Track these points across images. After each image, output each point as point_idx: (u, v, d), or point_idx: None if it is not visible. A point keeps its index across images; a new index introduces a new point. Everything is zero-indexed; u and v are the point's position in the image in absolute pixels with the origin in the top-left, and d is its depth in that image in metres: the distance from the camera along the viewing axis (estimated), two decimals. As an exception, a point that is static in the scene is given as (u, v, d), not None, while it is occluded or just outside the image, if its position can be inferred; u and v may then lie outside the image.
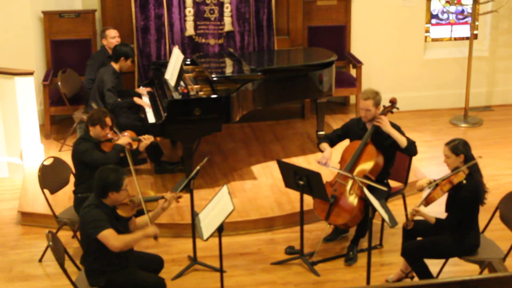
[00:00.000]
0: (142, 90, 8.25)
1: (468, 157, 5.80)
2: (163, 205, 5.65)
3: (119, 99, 7.86)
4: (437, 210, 6.07)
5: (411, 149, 6.49)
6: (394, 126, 6.53)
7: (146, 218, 5.57)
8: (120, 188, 5.35)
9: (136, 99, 7.94)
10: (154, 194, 5.98)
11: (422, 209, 5.82)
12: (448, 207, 5.88)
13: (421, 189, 6.00)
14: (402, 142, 6.43)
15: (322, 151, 6.74)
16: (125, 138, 6.53)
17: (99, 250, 5.34)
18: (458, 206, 5.76)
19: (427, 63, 10.09)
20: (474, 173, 5.79)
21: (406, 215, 6.98)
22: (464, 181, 5.71)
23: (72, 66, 9.02)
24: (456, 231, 5.82)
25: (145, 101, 7.97)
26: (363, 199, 6.32)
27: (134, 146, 6.66)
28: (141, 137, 6.72)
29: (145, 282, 5.45)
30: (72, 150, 6.51)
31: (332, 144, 6.80)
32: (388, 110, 6.67)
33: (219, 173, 8.04)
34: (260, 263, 6.63)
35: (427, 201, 5.79)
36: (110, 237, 5.26)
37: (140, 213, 5.65)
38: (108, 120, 6.43)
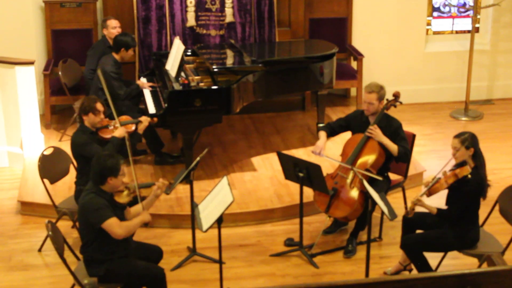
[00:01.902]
0: (144, 83, 8.19)
1: (477, 151, 5.79)
2: (155, 192, 5.68)
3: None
4: (438, 202, 6.07)
5: (402, 158, 6.52)
6: (396, 123, 6.53)
7: (139, 204, 5.59)
8: (118, 173, 5.38)
9: (139, 82, 7.95)
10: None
11: (425, 199, 5.82)
12: (450, 200, 5.87)
13: (427, 185, 5.98)
14: (394, 150, 6.45)
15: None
16: (120, 130, 6.51)
17: (99, 239, 5.36)
18: (462, 199, 5.76)
19: (428, 56, 10.07)
20: (480, 168, 5.78)
21: (406, 208, 6.99)
22: (469, 176, 5.71)
23: (73, 56, 9.00)
24: (457, 225, 5.82)
25: (146, 91, 7.96)
26: (364, 193, 6.32)
27: (132, 129, 6.65)
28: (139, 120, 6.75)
29: (144, 271, 5.46)
30: (71, 143, 6.50)
31: (332, 133, 6.80)
32: (391, 104, 6.67)
33: (219, 164, 8.04)
34: (259, 255, 6.64)
35: (430, 192, 5.80)
36: (114, 225, 5.29)
37: (134, 202, 5.68)
38: (99, 106, 6.42)
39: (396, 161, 6.59)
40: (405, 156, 6.52)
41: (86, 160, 6.35)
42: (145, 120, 6.78)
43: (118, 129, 6.54)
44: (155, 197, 5.71)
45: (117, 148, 6.38)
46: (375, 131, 6.48)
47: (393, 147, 6.45)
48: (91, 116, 6.41)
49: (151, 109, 7.59)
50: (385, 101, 6.61)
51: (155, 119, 7.04)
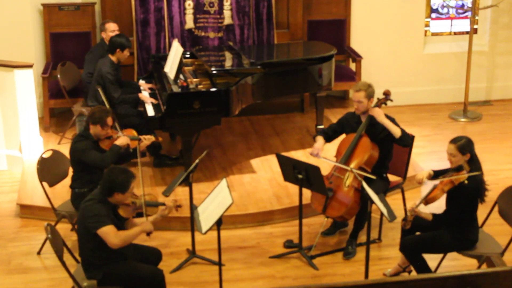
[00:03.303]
0: (144, 85, 8.21)
1: (473, 156, 5.78)
2: (162, 212, 5.64)
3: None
4: (436, 205, 6.07)
5: (405, 140, 6.48)
6: (389, 118, 6.53)
7: (144, 218, 5.58)
8: (127, 190, 5.36)
9: (141, 95, 7.89)
10: (155, 198, 5.98)
11: (421, 208, 5.80)
12: (447, 203, 5.87)
13: (420, 182, 5.98)
14: (396, 132, 6.43)
15: None
16: (123, 139, 6.47)
17: (97, 244, 5.34)
18: (457, 203, 5.75)
19: (426, 58, 10.08)
20: (476, 172, 5.75)
21: (405, 209, 7.00)
22: (466, 181, 5.69)
23: (72, 59, 9.01)
24: (455, 226, 5.82)
25: (146, 95, 7.93)
26: (358, 191, 6.33)
27: (134, 146, 6.62)
28: (141, 137, 6.69)
29: (143, 274, 5.46)
30: (70, 148, 6.48)
31: (328, 139, 6.81)
32: (382, 102, 6.68)
33: (218, 166, 8.04)
34: (259, 257, 6.64)
35: (427, 201, 5.76)
36: (110, 234, 5.27)
37: (139, 214, 5.66)
38: (109, 120, 6.38)
39: (398, 144, 6.53)
40: (407, 137, 6.50)
41: (84, 166, 6.35)
42: (148, 140, 6.71)
43: (121, 138, 6.50)
44: (161, 217, 5.67)
45: (115, 156, 6.36)
46: (377, 112, 6.46)
47: (394, 129, 6.43)
48: (98, 127, 6.36)
49: (150, 111, 7.59)
50: (375, 99, 6.61)
51: (160, 138, 6.99)
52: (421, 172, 6.02)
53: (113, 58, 7.85)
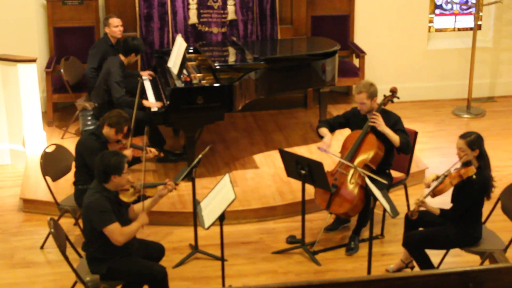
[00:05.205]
0: (145, 72, 8.25)
1: (482, 152, 5.77)
2: (161, 192, 5.67)
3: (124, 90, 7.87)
4: (441, 200, 6.07)
5: (403, 149, 6.47)
6: (395, 117, 6.51)
7: (141, 203, 5.59)
8: (122, 171, 5.37)
9: (144, 102, 7.81)
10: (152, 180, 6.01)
11: (428, 200, 5.81)
12: (454, 199, 5.87)
13: (428, 186, 5.95)
14: (396, 141, 6.41)
15: (321, 136, 6.71)
16: (128, 152, 6.45)
17: (102, 239, 5.35)
18: (465, 199, 5.74)
19: (430, 54, 10.07)
20: (484, 168, 5.76)
21: (408, 205, 7.00)
22: (474, 176, 5.69)
23: (75, 53, 9.00)
24: (459, 223, 5.82)
25: (151, 101, 7.89)
26: (363, 188, 6.32)
27: (138, 155, 6.62)
28: (147, 149, 6.69)
29: (146, 270, 5.47)
30: (78, 141, 6.49)
31: (331, 130, 6.78)
32: (388, 100, 6.66)
33: (221, 162, 8.04)
34: (261, 252, 6.64)
35: (435, 193, 5.76)
36: (115, 231, 5.28)
37: (139, 201, 5.67)
38: (125, 129, 6.41)
39: (398, 152, 6.54)
40: (406, 146, 6.48)
41: (84, 163, 6.34)
42: (152, 153, 6.71)
43: (127, 150, 6.49)
44: (159, 197, 5.69)
45: None
46: (378, 120, 6.44)
47: (394, 137, 6.42)
48: (112, 131, 6.36)
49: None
50: (380, 97, 6.59)
51: (162, 154, 6.97)
52: (429, 176, 5.97)
53: (124, 60, 7.79)
